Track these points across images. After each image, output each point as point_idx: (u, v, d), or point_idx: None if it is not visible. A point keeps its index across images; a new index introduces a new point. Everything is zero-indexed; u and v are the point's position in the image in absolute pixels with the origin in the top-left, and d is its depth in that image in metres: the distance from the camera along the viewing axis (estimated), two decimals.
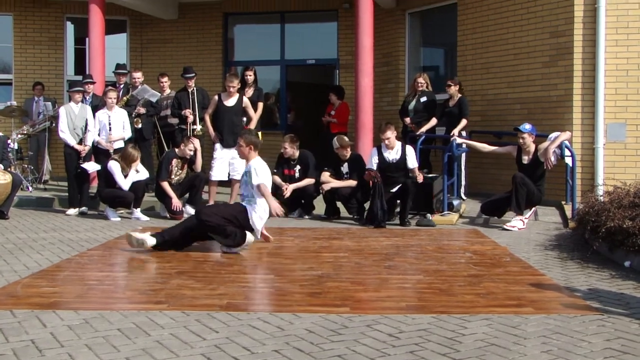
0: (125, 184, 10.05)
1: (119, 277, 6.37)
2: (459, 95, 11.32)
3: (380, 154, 9.80)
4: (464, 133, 11.17)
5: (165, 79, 12.33)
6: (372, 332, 4.44)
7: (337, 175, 10.15)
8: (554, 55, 10.87)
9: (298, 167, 10.40)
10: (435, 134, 11.50)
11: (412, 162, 9.68)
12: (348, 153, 10.19)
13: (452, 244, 7.98)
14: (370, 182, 9.53)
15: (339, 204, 10.16)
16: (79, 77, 13.38)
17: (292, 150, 10.37)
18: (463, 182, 11.24)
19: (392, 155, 9.73)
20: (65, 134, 10.71)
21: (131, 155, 10.07)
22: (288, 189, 10.10)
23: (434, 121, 11.40)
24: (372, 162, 9.84)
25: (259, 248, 7.76)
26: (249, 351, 4.10)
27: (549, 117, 10.88)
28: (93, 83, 12.09)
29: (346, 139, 10.32)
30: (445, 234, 8.65)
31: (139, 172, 10.25)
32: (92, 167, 10.68)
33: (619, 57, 10.44)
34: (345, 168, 10.17)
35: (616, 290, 5.67)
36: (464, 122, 11.13)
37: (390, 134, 9.68)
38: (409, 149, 9.76)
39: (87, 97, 11.73)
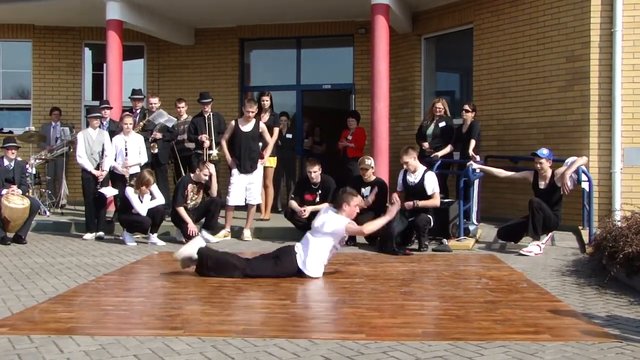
0: (142, 209, 10.11)
1: (135, 302, 6.36)
2: (471, 120, 11.33)
3: (404, 177, 9.82)
4: (477, 157, 11.12)
5: (183, 104, 12.43)
6: (389, 359, 4.42)
7: None
8: (570, 80, 10.85)
9: (319, 191, 10.37)
10: (452, 159, 11.46)
11: (430, 187, 9.59)
12: (369, 176, 10.11)
13: (469, 270, 7.95)
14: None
15: None
16: (97, 103, 13.50)
17: (317, 174, 10.34)
18: (475, 208, 11.16)
19: (413, 178, 9.71)
20: (83, 159, 10.79)
21: (145, 179, 10.12)
22: (307, 210, 10.08)
23: (449, 148, 11.35)
24: (398, 183, 9.92)
25: None
26: None
27: (566, 141, 10.84)
28: (110, 108, 12.18)
29: (367, 161, 10.20)
30: (462, 260, 8.61)
31: (156, 198, 10.31)
32: (109, 191, 10.75)
33: (636, 82, 10.40)
34: (366, 191, 10.10)
35: (635, 317, 5.62)
36: (472, 142, 11.08)
37: (408, 158, 9.65)
38: (429, 175, 9.67)
39: (105, 123, 11.80)
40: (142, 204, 10.15)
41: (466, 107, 11.41)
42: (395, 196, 8.42)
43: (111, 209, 11.48)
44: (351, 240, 10.01)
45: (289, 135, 13.19)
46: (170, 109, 12.64)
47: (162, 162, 12.19)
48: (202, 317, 5.57)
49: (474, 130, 11.16)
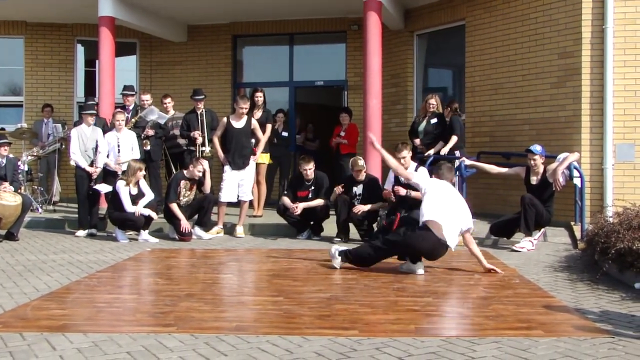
0: (129, 206, 10.06)
1: (128, 299, 6.37)
2: (451, 115, 11.32)
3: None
4: (457, 152, 11.11)
5: (169, 99, 12.42)
6: (381, 356, 4.43)
7: (348, 195, 10.14)
8: (562, 76, 10.87)
9: (312, 188, 10.40)
10: (443, 156, 11.45)
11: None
12: (362, 175, 10.17)
13: (461, 266, 7.96)
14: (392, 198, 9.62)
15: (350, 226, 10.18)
16: (92, 99, 13.43)
17: (310, 171, 10.37)
18: None
19: None
20: (77, 155, 10.75)
21: (134, 166, 10.11)
22: (299, 207, 10.11)
23: (440, 145, 11.34)
24: (389, 182, 9.93)
25: (268, 270, 7.77)
26: None
27: (558, 137, 10.86)
28: (96, 104, 12.17)
29: (360, 162, 10.23)
30: (454, 256, 8.59)
31: (145, 195, 10.28)
32: (104, 188, 10.71)
33: (627, 78, 10.43)
34: (358, 189, 10.14)
35: (627, 312, 5.64)
36: (454, 138, 11.07)
37: (407, 153, 9.69)
38: (421, 170, 9.72)
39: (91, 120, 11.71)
40: (133, 206, 10.09)
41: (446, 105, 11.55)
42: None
43: (103, 206, 11.44)
44: (345, 237, 10.04)
45: (285, 134, 13.15)
46: (157, 105, 12.58)
47: (154, 159, 12.15)
48: (195, 314, 5.57)
49: (453, 125, 11.14)
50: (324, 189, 10.36)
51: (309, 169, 10.34)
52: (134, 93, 12.75)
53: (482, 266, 7.47)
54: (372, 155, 11.18)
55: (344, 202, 9.99)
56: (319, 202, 10.27)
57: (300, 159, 10.96)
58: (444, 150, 11.02)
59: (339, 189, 10.08)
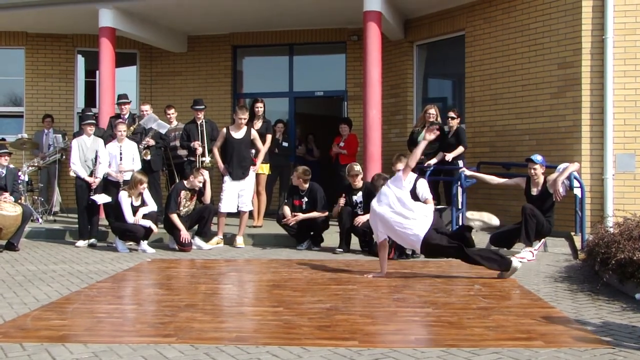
0: (130, 217, 10.06)
1: (128, 309, 6.36)
2: (457, 125, 11.34)
3: None
4: (461, 162, 11.12)
5: (172, 110, 12.43)
6: None
7: (349, 205, 10.14)
8: (562, 87, 10.88)
9: (305, 199, 10.42)
10: (443, 166, 11.45)
11: (423, 193, 9.64)
12: (359, 182, 10.18)
13: (461, 276, 7.95)
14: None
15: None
16: (89, 111, 13.43)
17: (298, 182, 10.41)
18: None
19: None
20: (77, 166, 10.75)
21: (137, 179, 10.11)
22: (298, 217, 10.13)
23: (440, 155, 11.35)
24: None
25: (268, 280, 7.77)
26: None
27: (558, 148, 10.87)
28: (95, 115, 12.20)
29: (356, 167, 10.27)
30: (454, 266, 8.61)
31: (148, 205, 10.28)
32: (102, 199, 10.69)
33: (627, 88, 10.45)
34: (359, 197, 10.15)
35: (627, 323, 5.63)
36: (460, 149, 11.10)
37: (401, 165, 9.69)
38: (420, 182, 9.72)
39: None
40: (134, 216, 10.09)
41: (451, 114, 11.39)
42: None
43: (103, 217, 11.41)
44: (346, 246, 10.04)
45: (285, 144, 13.17)
46: (162, 115, 12.61)
47: (154, 169, 12.15)
48: (195, 325, 5.57)
49: (461, 136, 11.17)
50: (317, 200, 10.37)
51: (297, 177, 10.44)
52: (129, 101, 12.67)
53: None
54: (372, 164, 11.21)
55: (348, 213, 9.99)
56: (316, 214, 10.27)
57: (294, 170, 11.01)
58: (449, 157, 10.97)
59: (342, 200, 10.09)
